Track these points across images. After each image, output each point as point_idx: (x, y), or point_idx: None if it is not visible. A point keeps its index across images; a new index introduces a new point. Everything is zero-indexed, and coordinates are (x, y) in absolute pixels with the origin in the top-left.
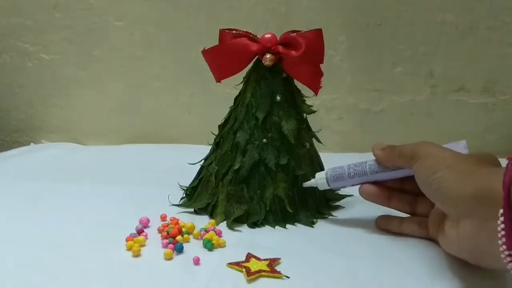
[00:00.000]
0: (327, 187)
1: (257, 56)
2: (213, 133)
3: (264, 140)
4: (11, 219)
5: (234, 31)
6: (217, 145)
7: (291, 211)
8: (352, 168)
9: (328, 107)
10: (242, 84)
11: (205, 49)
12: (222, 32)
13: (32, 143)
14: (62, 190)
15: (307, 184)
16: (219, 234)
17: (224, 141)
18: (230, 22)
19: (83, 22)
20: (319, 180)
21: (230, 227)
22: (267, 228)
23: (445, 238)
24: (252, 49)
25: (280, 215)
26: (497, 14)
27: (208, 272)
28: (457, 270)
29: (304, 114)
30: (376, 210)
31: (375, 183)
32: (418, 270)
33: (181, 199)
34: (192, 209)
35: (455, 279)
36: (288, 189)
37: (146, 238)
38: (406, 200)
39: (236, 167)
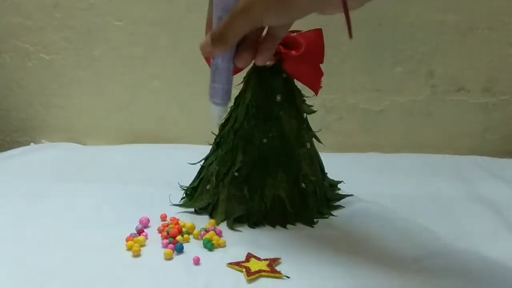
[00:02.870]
0: (222, 108)
1: None
2: (213, 133)
3: (265, 140)
4: (11, 219)
5: None
6: (217, 145)
7: (291, 211)
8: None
9: (328, 107)
10: (242, 84)
11: None
12: None
13: (32, 143)
14: (62, 190)
15: (217, 122)
16: (219, 234)
17: (225, 141)
18: None
19: (83, 22)
20: (214, 111)
21: (231, 227)
22: (267, 228)
23: None
24: None
25: (280, 215)
26: (497, 14)
27: (208, 272)
28: (461, 259)
29: (305, 114)
30: (377, 209)
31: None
32: (421, 268)
33: (182, 199)
34: (192, 209)
35: (458, 270)
36: (288, 189)
37: (146, 238)
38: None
39: (236, 167)
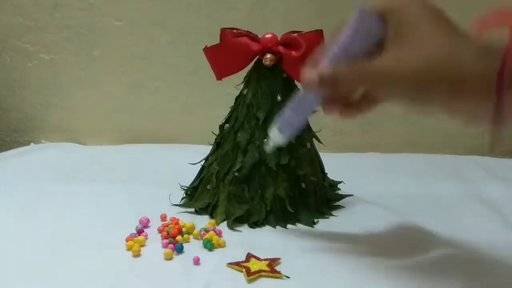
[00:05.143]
0: (283, 138)
1: (257, 56)
2: (213, 133)
3: (265, 140)
4: (11, 219)
5: (235, 31)
6: (218, 145)
7: (291, 211)
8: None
9: None
10: (242, 84)
11: (207, 46)
12: (223, 32)
13: (32, 143)
14: (62, 190)
15: (269, 148)
16: (219, 234)
17: (225, 141)
18: (230, 22)
19: (83, 22)
20: (274, 136)
21: (231, 227)
22: (267, 228)
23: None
24: (252, 48)
25: (280, 215)
26: None
27: (208, 272)
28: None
29: None
30: (377, 209)
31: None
32: (420, 268)
33: (182, 199)
34: (192, 209)
35: (457, 270)
36: (288, 189)
37: (146, 238)
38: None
39: (237, 167)
